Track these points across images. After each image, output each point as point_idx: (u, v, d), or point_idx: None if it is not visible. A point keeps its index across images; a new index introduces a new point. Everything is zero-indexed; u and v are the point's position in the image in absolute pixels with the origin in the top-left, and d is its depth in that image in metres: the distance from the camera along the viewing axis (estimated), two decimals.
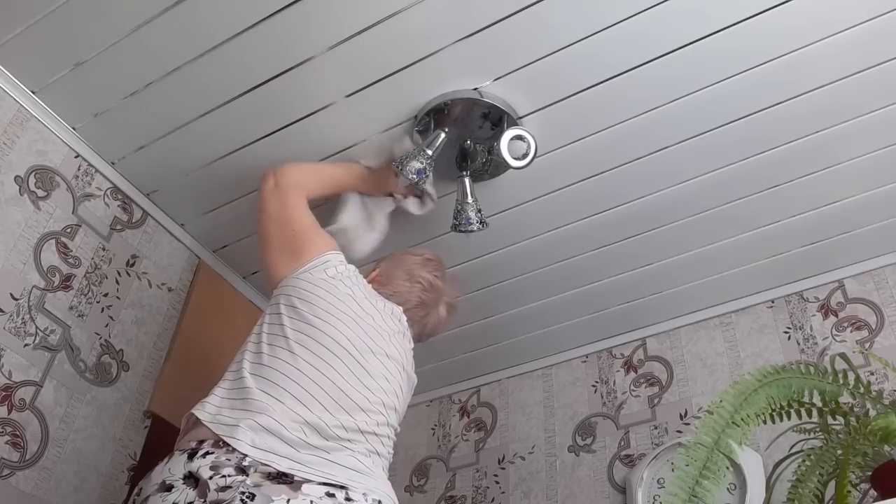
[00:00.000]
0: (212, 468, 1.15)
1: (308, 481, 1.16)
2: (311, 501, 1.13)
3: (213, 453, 1.17)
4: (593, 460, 2.23)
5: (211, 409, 1.27)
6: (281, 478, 1.15)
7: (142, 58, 1.73)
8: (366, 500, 1.19)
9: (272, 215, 1.61)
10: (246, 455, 1.17)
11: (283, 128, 1.87)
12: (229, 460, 1.16)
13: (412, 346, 1.59)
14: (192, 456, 1.18)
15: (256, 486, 1.13)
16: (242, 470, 1.15)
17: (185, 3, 1.62)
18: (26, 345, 1.68)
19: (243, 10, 1.63)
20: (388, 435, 1.38)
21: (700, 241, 2.10)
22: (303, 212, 1.63)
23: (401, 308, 1.59)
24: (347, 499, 1.17)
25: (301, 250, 1.54)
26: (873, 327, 2.06)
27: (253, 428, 1.20)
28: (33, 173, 1.81)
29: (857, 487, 1.47)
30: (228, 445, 1.18)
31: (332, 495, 1.16)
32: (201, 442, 1.20)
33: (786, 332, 2.16)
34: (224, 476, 1.14)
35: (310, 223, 1.62)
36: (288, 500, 1.11)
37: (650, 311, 2.32)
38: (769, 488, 1.65)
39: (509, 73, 1.73)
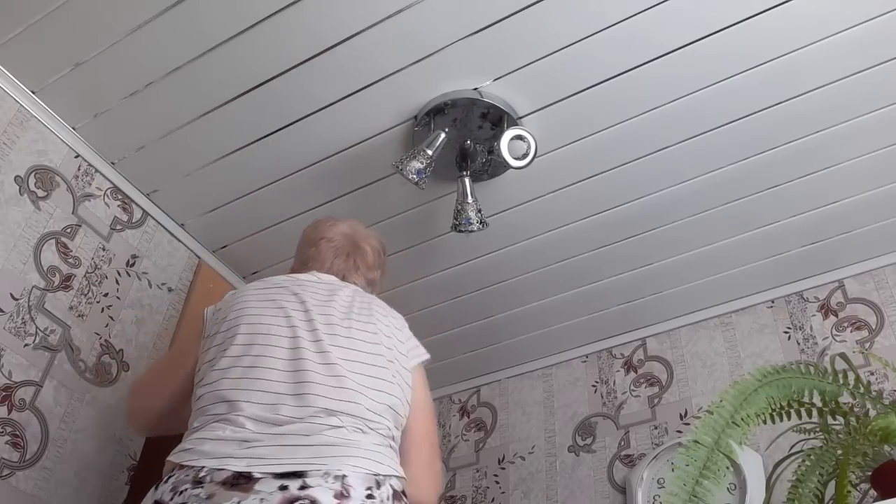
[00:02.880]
0: (172, 490, 1.16)
1: (264, 476, 1.15)
2: (262, 499, 1.12)
3: (174, 475, 1.19)
4: (593, 460, 2.23)
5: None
6: (237, 480, 1.15)
7: (142, 58, 1.73)
8: (325, 481, 1.15)
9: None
10: (203, 466, 1.17)
11: (283, 128, 1.87)
12: (188, 476, 1.17)
13: (361, 297, 1.47)
14: (157, 486, 1.19)
15: (209, 496, 1.12)
16: (199, 482, 1.15)
17: (185, 3, 1.62)
18: (26, 345, 1.68)
19: (243, 10, 1.63)
20: (356, 388, 1.29)
21: (700, 241, 2.10)
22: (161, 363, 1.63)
23: (313, 270, 1.53)
24: (302, 487, 1.15)
25: (187, 348, 1.46)
26: (873, 327, 2.06)
27: (202, 443, 1.21)
28: (33, 173, 1.81)
29: (857, 487, 1.47)
30: (189, 466, 1.19)
31: (285, 487, 1.15)
32: (170, 472, 1.21)
33: (786, 332, 2.16)
34: (181, 493, 1.14)
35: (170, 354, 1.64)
36: (239, 502, 1.11)
37: (650, 311, 2.32)
38: (769, 488, 1.65)
39: (509, 73, 1.73)
